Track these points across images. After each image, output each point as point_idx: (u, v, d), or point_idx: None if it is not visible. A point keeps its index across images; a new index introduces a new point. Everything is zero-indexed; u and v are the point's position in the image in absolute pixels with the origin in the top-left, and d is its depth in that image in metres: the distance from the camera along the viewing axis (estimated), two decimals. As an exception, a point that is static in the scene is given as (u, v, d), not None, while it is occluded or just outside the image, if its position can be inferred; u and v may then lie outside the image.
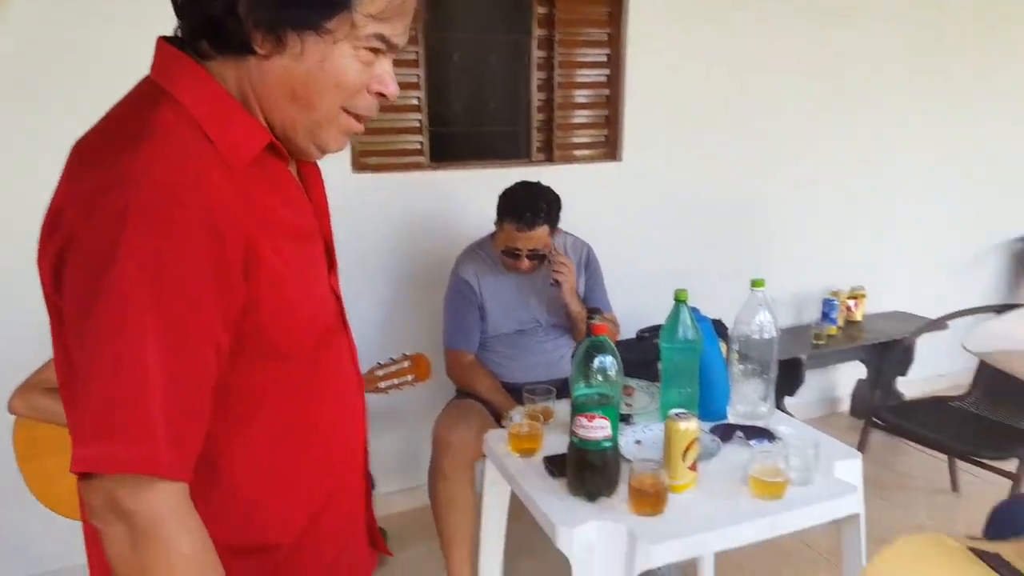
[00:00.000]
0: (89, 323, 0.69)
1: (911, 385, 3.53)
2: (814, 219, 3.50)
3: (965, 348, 0.85)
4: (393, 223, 2.74)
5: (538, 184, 2.36)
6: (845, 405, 3.78)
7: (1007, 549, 0.82)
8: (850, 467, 1.60)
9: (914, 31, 3.46)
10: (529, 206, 2.28)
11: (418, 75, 2.71)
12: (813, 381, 3.59)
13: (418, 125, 2.75)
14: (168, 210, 0.71)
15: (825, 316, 3.35)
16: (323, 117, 0.84)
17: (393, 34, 0.83)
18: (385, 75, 0.85)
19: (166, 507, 0.72)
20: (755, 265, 3.25)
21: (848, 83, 3.38)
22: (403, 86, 2.67)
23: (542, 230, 2.30)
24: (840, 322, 3.38)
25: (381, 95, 0.86)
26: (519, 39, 2.87)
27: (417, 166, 2.77)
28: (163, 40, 0.82)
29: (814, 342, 3.25)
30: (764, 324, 1.70)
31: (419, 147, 2.76)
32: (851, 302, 3.46)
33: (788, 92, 3.28)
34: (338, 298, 0.99)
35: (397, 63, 2.54)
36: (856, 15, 3.31)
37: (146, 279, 0.69)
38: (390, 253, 2.75)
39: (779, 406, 3.20)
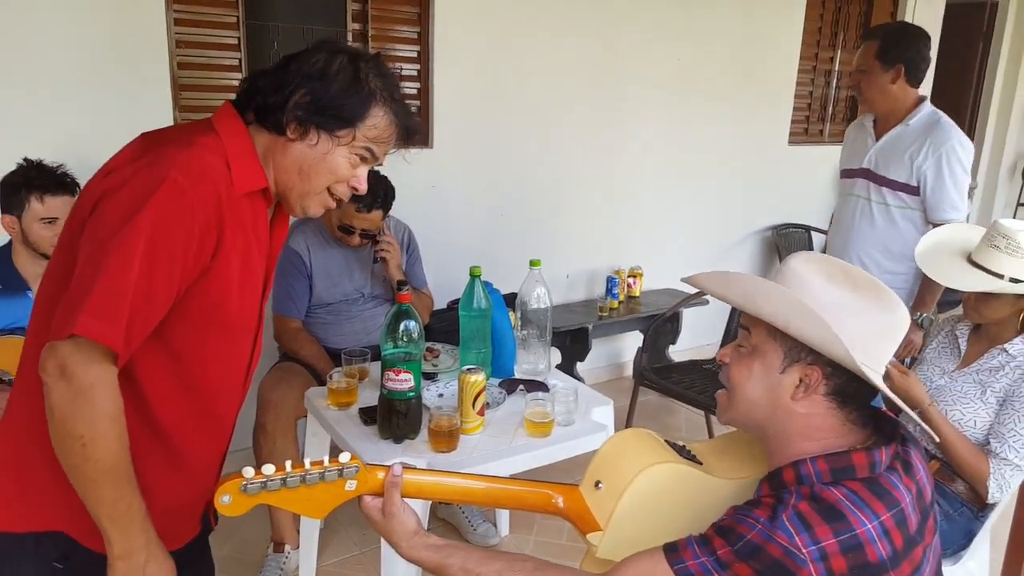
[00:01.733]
0: (113, 240, 1.01)
1: (682, 353, 4.10)
2: (600, 208, 3.97)
3: (681, 279, 1.24)
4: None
5: (378, 172, 2.56)
6: (629, 370, 4.34)
7: (693, 445, 1.18)
8: (603, 412, 2.01)
9: (680, 45, 4.01)
10: (371, 191, 2.49)
11: (239, 58, 2.81)
12: (601, 349, 4.09)
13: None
14: (186, 193, 1.04)
15: (609, 291, 3.84)
16: (312, 190, 1.20)
17: (378, 151, 1.21)
18: (362, 177, 1.23)
19: (100, 379, 1.00)
20: (551, 247, 3.68)
21: (620, 89, 3.85)
22: (224, 68, 2.81)
23: (377, 214, 2.55)
24: (621, 297, 3.87)
25: (354, 188, 1.23)
26: (336, 32, 3.04)
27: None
28: (228, 103, 1.20)
29: (599, 314, 3.72)
30: (540, 296, 2.08)
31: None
32: (631, 280, 3.96)
33: (573, 95, 3.70)
34: (260, 316, 1.30)
35: (217, 47, 2.78)
36: (622, 31, 3.76)
37: (154, 228, 1.02)
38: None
39: (571, 371, 3.66)
